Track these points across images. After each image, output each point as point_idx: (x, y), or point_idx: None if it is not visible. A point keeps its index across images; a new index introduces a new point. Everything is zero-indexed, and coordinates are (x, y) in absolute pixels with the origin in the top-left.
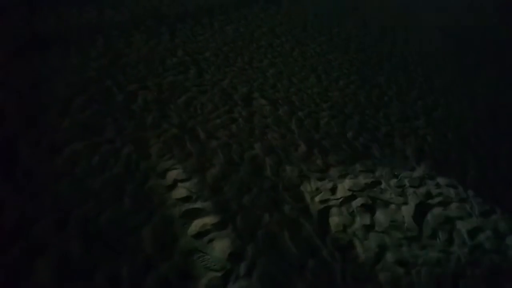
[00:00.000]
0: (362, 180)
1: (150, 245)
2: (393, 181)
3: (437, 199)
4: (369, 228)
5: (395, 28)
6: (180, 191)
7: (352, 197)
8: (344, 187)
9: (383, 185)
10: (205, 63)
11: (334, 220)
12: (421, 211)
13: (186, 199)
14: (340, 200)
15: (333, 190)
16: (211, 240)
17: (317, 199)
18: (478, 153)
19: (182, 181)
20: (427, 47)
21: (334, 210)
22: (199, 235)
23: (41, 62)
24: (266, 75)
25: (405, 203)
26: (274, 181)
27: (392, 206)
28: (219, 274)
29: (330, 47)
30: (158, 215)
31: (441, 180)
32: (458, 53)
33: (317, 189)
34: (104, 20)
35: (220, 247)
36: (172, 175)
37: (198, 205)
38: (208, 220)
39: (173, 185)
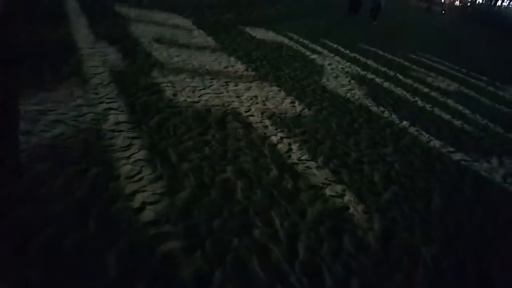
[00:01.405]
0: (331, 205)
1: (114, 271)
2: (361, 207)
3: (402, 225)
4: (336, 253)
5: (367, 57)
6: (148, 214)
7: (321, 222)
8: (313, 211)
9: (351, 210)
10: (180, 84)
11: (303, 244)
12: (387, 236)
13: (154, 222)
14: (309, 224)
15: (303, 214)
16: (178, 265)
17: (286, 223)
18: (443, 180)
19: (151, 204)
20: (397, 75)
21: (303, 234)
22: (166, 259)
23: (10, 78)
24: (241, 98)
25: (372, 228)
26: (245, 205)
27: (359, 231)
28: None
29: (304, 73)
30: (124, 239)
31: (407, 206)
32: (426, 80)
33: (287, 213)
34: (79, 37)
35: (188, 272)
36: (141, 197)
37: (166, 229)
38: (176, 244)
39: (141, 208)
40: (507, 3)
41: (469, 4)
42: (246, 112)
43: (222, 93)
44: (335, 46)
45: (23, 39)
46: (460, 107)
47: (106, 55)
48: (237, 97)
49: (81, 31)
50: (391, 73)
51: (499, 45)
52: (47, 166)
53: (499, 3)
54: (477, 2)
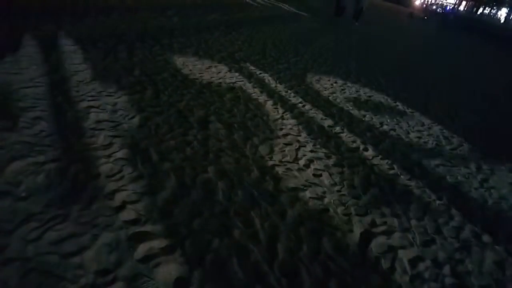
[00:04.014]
0: (311, 206)
1: (92, 270)
2: (340, 209)
3: (381, 228)
4: (315, 254)
5: (348, 60)
6: (129, 213)
7: (301, 223)
8: (293, 213)
9: (330, 212)
10: (162, 84)
11: (282, 245)
12: (365, 239)
13: (134, 221)
14: (289, 225)
15: (283, 215)
16: (157, 265)
17: (266, 224)
18: (422, 184)
19: (131, 203)
20: (379, 79)
21: (283, 235)
22: (145, 259)
23: None
24: (223, 99)
25: (351, 230)
26: (225, 205)
27: (338, 234)
28: None
29: (287, 75)
30: (103, 238)
31: (386, 210)
32: (407, 86)
33: (267, 214)
34: (61, 35)
35: (167, 272)
36: (121, 196)
37: (146, 228)
38: (156, 244)
39: (121, 207)
40: (488, 11)
41: (451, 11)
42: (228, 112)
43: (204, 93)
44: (318, 49)
45: (2, 36)
46: (441, 114)
47: (88, 52)
48: (219, 97)
49: (64, 29)
50: (372, 78)
51: (480, 52)
52: (27, 163)
53: (480, 10)
54: (459, 9)
